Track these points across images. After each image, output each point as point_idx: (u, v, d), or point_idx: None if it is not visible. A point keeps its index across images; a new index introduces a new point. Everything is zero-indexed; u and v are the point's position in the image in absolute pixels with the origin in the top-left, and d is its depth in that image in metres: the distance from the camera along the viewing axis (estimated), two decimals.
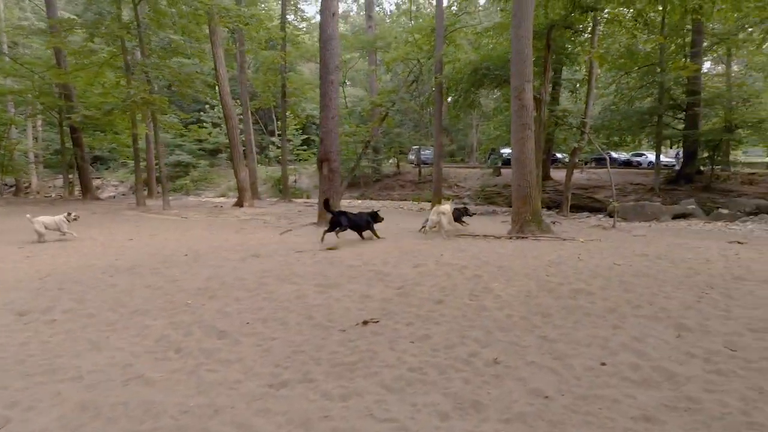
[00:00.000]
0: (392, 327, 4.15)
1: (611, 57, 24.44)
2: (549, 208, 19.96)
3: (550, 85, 17.65)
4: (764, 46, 22.57)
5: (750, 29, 22.31)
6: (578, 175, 25.59)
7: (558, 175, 26.22)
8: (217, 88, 21.90)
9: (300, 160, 34.72)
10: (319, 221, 11.25)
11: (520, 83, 9.60)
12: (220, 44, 20.11)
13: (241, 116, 26.38)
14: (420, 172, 30.51)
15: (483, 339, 3.80)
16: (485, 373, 3.16)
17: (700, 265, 6.21)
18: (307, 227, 11.72)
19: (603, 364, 3.27)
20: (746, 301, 4.48)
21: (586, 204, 21.32)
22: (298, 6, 29.05)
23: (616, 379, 3.06)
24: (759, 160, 30.89)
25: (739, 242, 9.92)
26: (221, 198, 29.04)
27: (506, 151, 25.30)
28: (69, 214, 9.62)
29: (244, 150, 24.40)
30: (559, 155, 29.62)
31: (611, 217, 16.60)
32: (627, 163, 30.54)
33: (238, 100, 27.10)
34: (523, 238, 8.94)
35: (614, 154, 31.26)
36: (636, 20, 13.98)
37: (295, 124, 34.02)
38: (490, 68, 15.24)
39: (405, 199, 26.87)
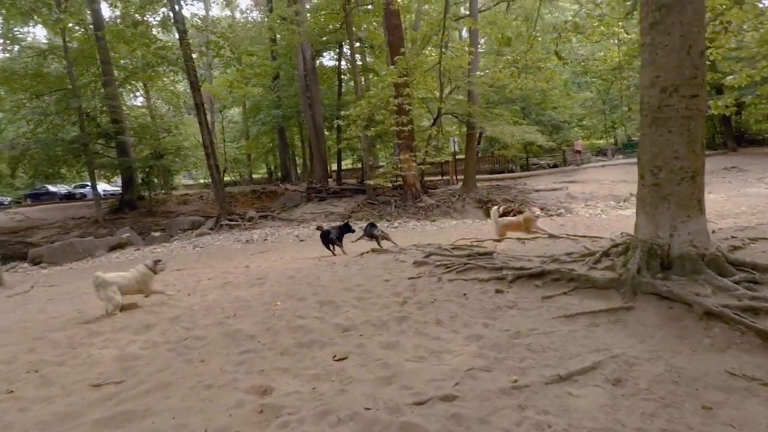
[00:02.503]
0: None
1: (12, 76, 20.96)
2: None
3: None
4: (167, 81, 25.71)
5: (160, 68, 24.59)
6: (4, 218, 20.84)
7: None
8: None
9: None
10: None
11: None
12: None
13: None
14: None
15: None
16: None
17: (56, 327, 5.18)
18: None
19: None
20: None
21: (19, 251, 17.28)
22: None
23: None
24: (194, 182, 36.15)
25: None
26: None
27: None
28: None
29: None
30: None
31: (36, 264, 13.92)
32: (70, 196, 27.72)
33: None
34: None
35: (52, 188, 27.71)
36: None
37: None
38: None
39: None
